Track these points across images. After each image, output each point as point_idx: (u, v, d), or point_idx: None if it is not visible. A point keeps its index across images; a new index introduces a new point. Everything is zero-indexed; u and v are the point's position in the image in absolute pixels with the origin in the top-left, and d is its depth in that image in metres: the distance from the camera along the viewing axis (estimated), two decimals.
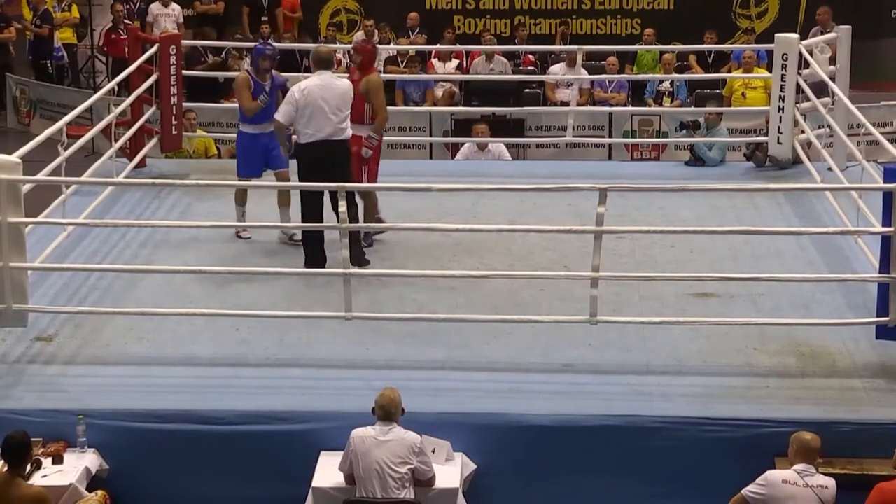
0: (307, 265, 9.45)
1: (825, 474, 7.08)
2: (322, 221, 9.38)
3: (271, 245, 10.21)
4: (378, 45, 15.76)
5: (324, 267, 9.35)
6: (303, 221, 9.56)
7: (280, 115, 9.62)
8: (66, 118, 10.06)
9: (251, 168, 10.49)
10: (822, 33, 15.17)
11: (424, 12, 18.69)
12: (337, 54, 16.63)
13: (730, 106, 15.06)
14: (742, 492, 7.07)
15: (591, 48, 14.83)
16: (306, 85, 9.57)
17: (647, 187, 9.59)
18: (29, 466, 7.26)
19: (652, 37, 16.92)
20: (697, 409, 7.77)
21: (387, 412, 7.33)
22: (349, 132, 9.61)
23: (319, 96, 9.46)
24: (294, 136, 9.69)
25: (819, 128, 11.92)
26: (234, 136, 11.12)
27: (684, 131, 12.97)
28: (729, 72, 15.94)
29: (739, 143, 13.28)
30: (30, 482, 7.07)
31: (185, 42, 13.51)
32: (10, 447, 6.91)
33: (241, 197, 10.52)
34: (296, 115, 9.50)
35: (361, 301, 8.78)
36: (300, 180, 9.61)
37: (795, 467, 7.03)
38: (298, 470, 7.53)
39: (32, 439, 7.44)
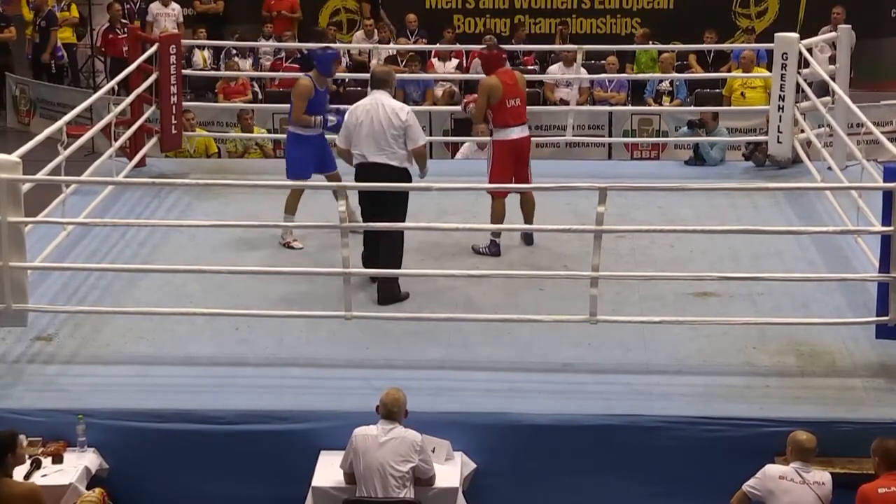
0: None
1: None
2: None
3: (271, 245, 10.20)
4: (378, 45, 15.84)
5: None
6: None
7: (339, 141, 9.40)
8: (66, 118, 10.05)
9: (300, 170, 10.11)
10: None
11: (424, 12, 18.70)
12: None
13: (730, 105, 15.06)
14: (743, 487, 7.14)
15: (590, 47, 14.83)
16: (355, 106, 9.40)
17: (646, 187, 9.59)
18: (29, 465, 7.27)
19: (643, 37, 16.92)
20: (697, 408, 7.77)
21: (390, 411, 7.33)
22: (400, 155, 9.18)
23: (363, 118, 9.20)
24: None
25: (819, 127, 11.92)
26: (234, 135, 11.13)
27: (690, 130, 12.97)
28: (729, 71, 15.94)
29: (739, 143, 13.29)
30: (30, 481, 7.07)
31: (184, 42, 13.50)
32: None
33: (291, 204, 10.07)
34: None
35: (361, 301, 8.77)
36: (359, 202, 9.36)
37: (792, 465, 7.09)
38: (298, 470, 7.53)
39: (32, 439, 7.46)
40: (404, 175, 9.21)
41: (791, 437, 7.17)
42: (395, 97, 9.67)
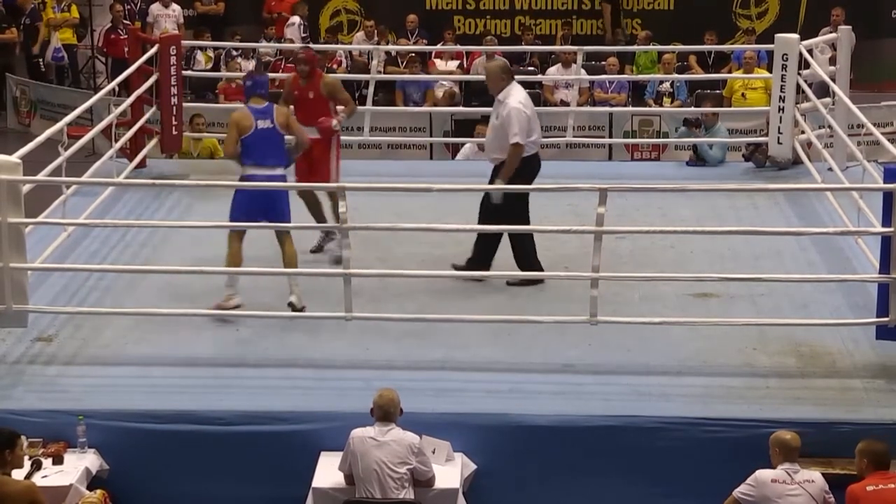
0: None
1: (824, 474, 7.13)
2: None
3: (271, 246, 10.19)
4: (378, 46, 15.84)
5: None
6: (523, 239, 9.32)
7: (522, 138, 9.18)
8: (67, 119, 10.06)
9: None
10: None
11: (424, 13, 18.70)
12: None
13: (730, 106, 15.07)
14: (734, 493, 7.11)
15: (591, 49, 14.84)
16: (523, 97, 9.33)
17: (647, 187, 9.59)
18: (29, 466, 7.27)
19: (646, 39, 16.94)
20: (697, 409, 7.77)
21: (385, 412, 7.33)
22: None
23: (532, 108, 9.27)
24: None
25: (819, 128, 11.92)
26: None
27: (685, 128, 12.98)
28: (729, 72, 15.96)
29: (739, 144, 13.29)
30: (30, 481, 7.06)
31: (185, 42, 13.51)
32: None
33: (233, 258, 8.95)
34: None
35: (361, 301, 8.78)
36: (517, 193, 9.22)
37: (782, 466, 7.08)
38: (299, 470, 7.52)
39: (32, 440, 7.45)
40: None
41: (775, 439, 7.14)
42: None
